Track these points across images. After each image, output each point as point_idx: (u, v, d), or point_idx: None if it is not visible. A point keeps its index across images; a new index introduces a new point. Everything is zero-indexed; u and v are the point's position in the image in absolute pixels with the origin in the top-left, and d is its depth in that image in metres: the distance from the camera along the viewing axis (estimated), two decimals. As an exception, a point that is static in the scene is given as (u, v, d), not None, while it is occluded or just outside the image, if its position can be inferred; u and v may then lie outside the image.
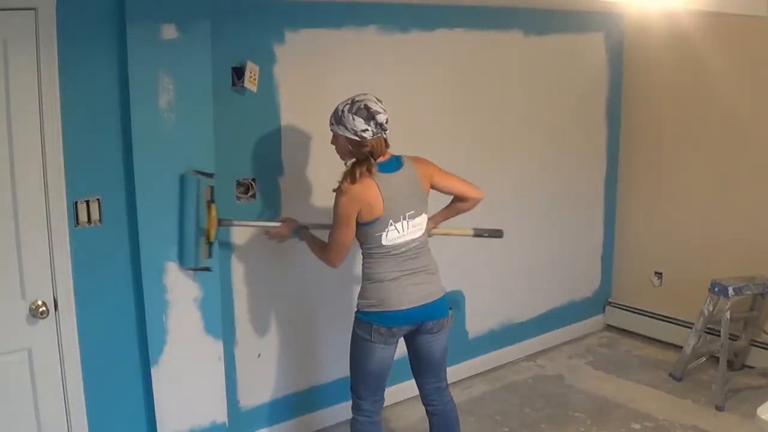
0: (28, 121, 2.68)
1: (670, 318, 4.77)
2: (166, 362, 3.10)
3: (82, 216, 2.87)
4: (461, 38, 4.02)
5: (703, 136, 4.54)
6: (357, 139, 2.82)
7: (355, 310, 3.00)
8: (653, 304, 4.91)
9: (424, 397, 3.17)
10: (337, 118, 2.86)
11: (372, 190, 2.84)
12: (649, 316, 4.90)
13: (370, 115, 2.79)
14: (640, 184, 4.93)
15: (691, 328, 4.30)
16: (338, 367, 3.76)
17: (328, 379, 3.79)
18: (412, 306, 2.92)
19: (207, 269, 3.10)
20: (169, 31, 2.91)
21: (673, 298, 4.77)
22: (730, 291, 4.01)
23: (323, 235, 3.10)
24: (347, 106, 2.83)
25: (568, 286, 4.91)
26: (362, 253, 3.00)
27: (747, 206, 4.37)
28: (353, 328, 3.00)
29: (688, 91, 4.57)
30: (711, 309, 4.14)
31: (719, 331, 4.06)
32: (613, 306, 5.14)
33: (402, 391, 4.06)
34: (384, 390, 3.09)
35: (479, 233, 3.57)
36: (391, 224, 2.89)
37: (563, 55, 4.53)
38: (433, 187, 3.03)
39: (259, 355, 3.54)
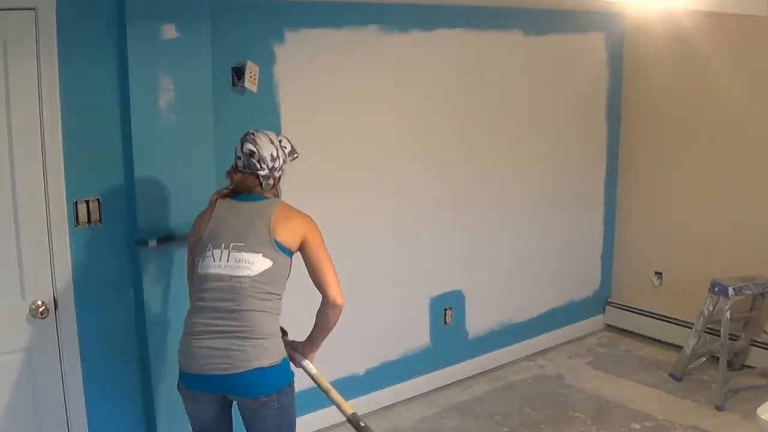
0: (28, 121, 2.68)
1: (670, 318, 4.77)
2: (166, 362, 3.10)
3: (82, 216, 2.87)
4: (461, 38, 4.02)
5: (703, 136, 4.54)
6: (233, 163, 2.62)
7: None
8: (653, 304, 4.90)
9: None
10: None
11: (206, 213, 2.58)
12: (649, 316, 4.90)
13: (240, 147, 2.58)
14: (640, 184, 4.93)
15: (691, 328, 4.30)
16: (338, 367, 3.76)
17: (328, 379, 3.77)
18: (198, 372, 2.42)
19: None
20: (169, 31, 2.91)
21: (673, 298, 4.77)
22: (730, 291, 4.01)
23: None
24: (249, 132, 2.62)
25: (568, 286, 4.91)
26: None
27: (747, 206, 4.37)
28: None
29: (688, 91, 4.57)
30: (711, 309, 4.14)
31: (719, 331, 4.06)
32: (613, 306, 5.14)
33: (402, 391, 4.07)
34: None
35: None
36: (209, 249, 2.47)
37: (563, 55, 4.53)
38: (302, 251, 2.55)
39: (259, 355, 3.54)
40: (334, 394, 2.70)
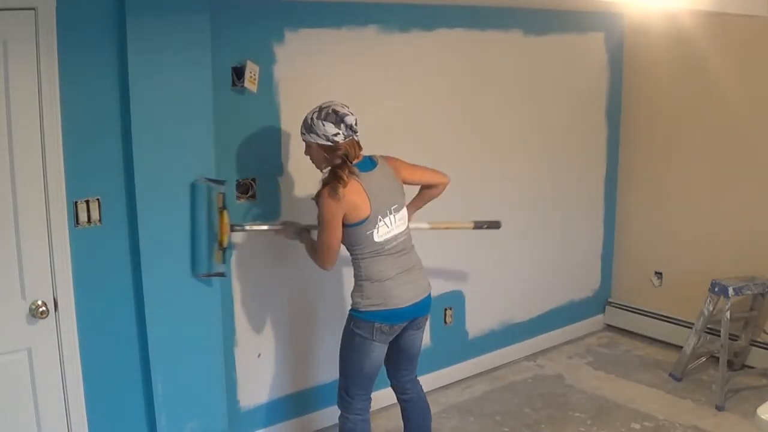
0: (28, 121, 2.68)
1: (670, 318, 4.77)
2: (166, 362, 3.11)
3: (82, 216, 2.87)
4: (461, 38, 4.02)
5: (703, 136, 4.54)
6: (330, 144, 2.87)
7: (352, 309, 3.00)
8: (653, 304, 4.91)
9: (400, 387, 3.25)
10: (307, 127, 2.91)
11: (357, 191, 2.87)
12: (649, 316, 4.90)
13: (339, 119, 2.85)
14: (640, 184, 4.93)
15: (691, 328, 4.30)
16: (338, 367, 3.76)
17: (328, 379, 3.78)
18: (410, 303, 2.99)
19: (221, 275, 3.16)
20: (169, 31, 2.91)
21: (673, 298, 4.77)
22: (730, 291, 4.01)
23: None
24: (315, 114, 2.89)
25: (568, 286, 4.91)
26: (354, 257, 2.99)
27: (747, 206, 4.37)
28: (350, 329, 3.00)
29: (688, 91, 4.57)
30: (711, 309, 4.14)
31: (719, 331, 4.06)
32: (613, 306, 5.14)
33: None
34: (372, 388, 3.13)
35: (479, 225, 3.63)
36: (380, 220, 2.92)
37: (563, 55, 4.53)
38: (402, 181, 3.09)
39: (259, 355, 3.54)
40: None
